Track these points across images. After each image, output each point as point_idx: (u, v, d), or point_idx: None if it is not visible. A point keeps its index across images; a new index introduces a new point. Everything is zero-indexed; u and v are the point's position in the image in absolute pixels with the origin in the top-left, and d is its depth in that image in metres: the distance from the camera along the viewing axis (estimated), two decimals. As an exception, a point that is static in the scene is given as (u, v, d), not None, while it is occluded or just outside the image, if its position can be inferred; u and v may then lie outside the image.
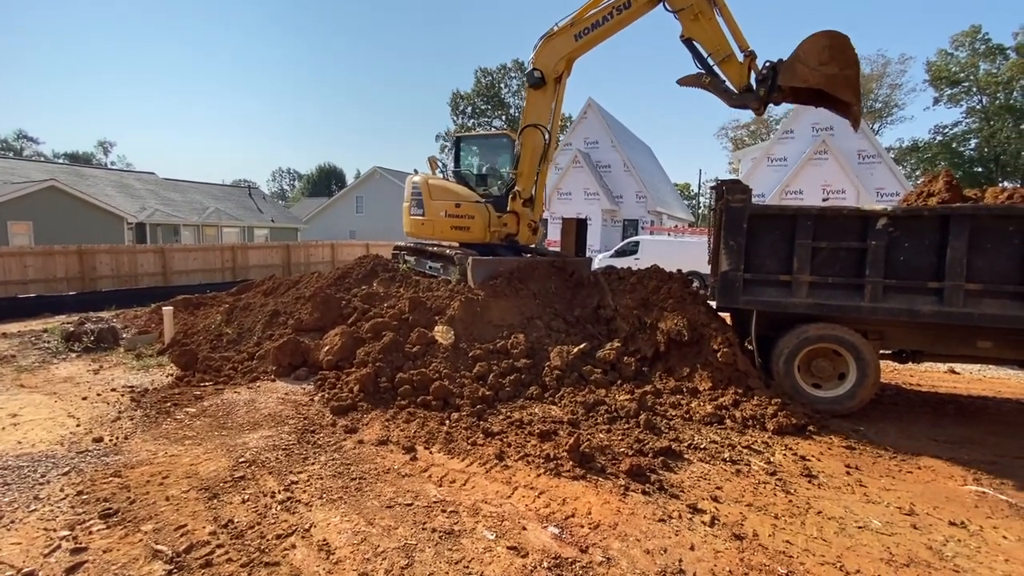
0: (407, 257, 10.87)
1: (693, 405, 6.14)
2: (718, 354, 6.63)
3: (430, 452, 4.58)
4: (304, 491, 3.81)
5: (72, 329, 8.81)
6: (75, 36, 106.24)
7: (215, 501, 3.63)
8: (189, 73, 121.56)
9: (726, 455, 4.86)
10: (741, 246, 6.49)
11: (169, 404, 5.62)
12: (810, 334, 6.28)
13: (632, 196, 29.20)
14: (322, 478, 4.02)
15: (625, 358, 6.98)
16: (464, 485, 3.97)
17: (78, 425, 4.98)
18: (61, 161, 50.70)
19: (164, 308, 8.84)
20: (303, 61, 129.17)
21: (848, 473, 4.60)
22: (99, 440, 4.59)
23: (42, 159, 50.20)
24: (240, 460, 4.26)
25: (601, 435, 5.12)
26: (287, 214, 39.75)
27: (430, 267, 10.01)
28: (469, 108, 55.29)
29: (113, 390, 6.25)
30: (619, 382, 6.67)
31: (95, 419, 5.17)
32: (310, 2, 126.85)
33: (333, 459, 4.36)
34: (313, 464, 4.26)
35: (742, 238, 6.49)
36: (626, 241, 22.36)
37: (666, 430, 5.38)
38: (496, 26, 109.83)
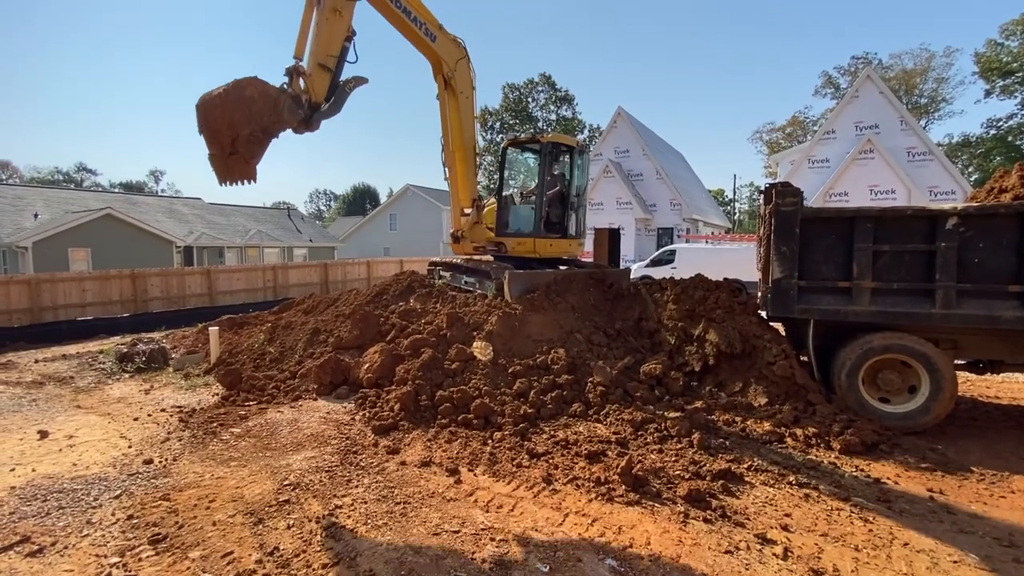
0: (443, 272, 10.84)
1: (749, 422, 5.79)
2: (774, 367, 6.26)
3: (474, 474, 4.42)
4: (349, 516, 3.71)
5: (125, 350, 9.13)
6: (130, 75, 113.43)
7: (260, 526, 3.57)
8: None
9: (791, 478, 4.51)
10: (794, 252, 6.14)
11: (215, 424, 5.67)
12: (875, 344, 5.85)
13: (666, 204, 28.64)
14: (366, 502, 3.91)
15: (672, 372, 6.68)
16: (512, 511, 3.79)
17: (130, 446, 5.06)
18: (117, 191, 53.75)
19: (210, 328, 9.06)
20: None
21: (932, 498, 4.18)
22: (149, 462, 4.63)
23: (100, 189, 53.37)
24: (284, 483, 4.21)
25: (653, 456, 4.85)
26: (324, 233, 40.85)
27: (465, 282, 9.93)
28: (497, 124, 55.78)
29: (163, 410, 6.37)
30: (667, 398, 6.37)
31: (146, 440, 5.25)
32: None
33: (376, 482, 4.25)
34: (356, 487, 4.17)
35: (795, 243, 6.14)
36: (662, 250, 21.86)
37: (722, 450, 5.06)
38: (520, 42, 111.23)
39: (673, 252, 20.88)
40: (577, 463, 4.61)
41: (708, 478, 4.40)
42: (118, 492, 4.04)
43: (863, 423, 5.49)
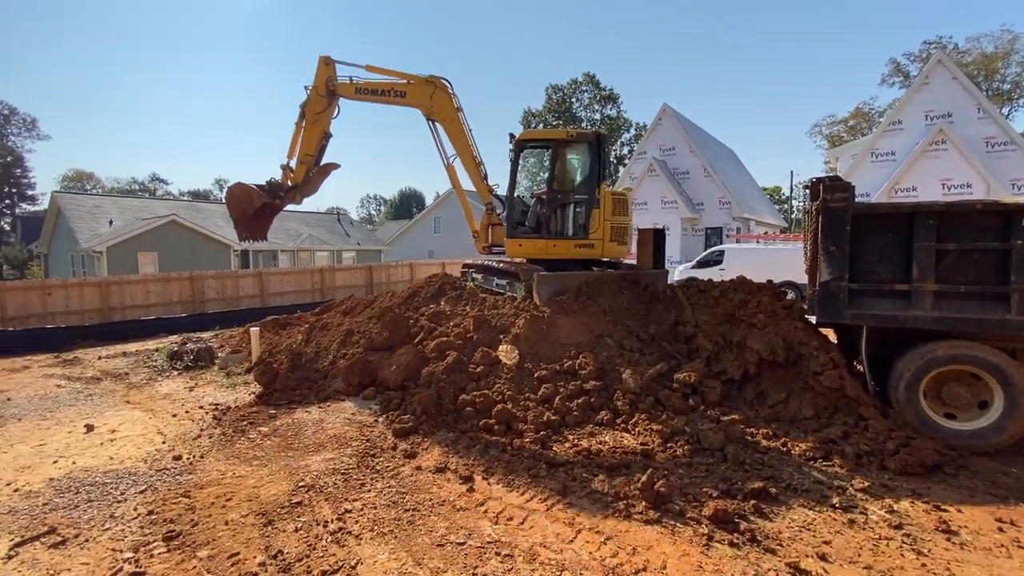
0: (475, 275, 10.80)
1: (791, 436, 5.35)
2: (821, 377, 5.77)
3: (488, 483, 4.28)
4: (356, 521, 3.66)
5: (176, 349, 9.62)
6: (196, 88, 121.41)
7: (269, 528, 3.57)
8: (284, 113, 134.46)
9: (835, 500, 4.10)
10: (844, 252, 5.65)
11: (245, 423, 5.82)
12: (939, 354, 5.27)
13: (715, 203, 27.52)
14: (375, 507, 3.85)
15: (708, 381, 6.30)
16: (522, 524, 3.62)
17: (164, 442, 5.27)
18: (185, 198, 57.48)
19: (252, 328, 9.40)
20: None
21: (1001, 530, 3.68)
22: (178, 458, 4.79)
23: (170, 197, 57.24)
24: (300, 484, 4.23)
25: (680, 470, 4.55)
26: (372, 237, 42.03)
27: (496, 284, 9.83)
28: (540, 125, 55.62)
29: (200, 407, 6.62)
30: (702, 408, 6.01)
31: (179, 436, 5.45)
32: (377, 35, 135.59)
33: (389, 487, 4.20)
34: (369, 491, 4.12)
35: (845, 243, 5.65)
36: (709, 250, 20.99)
37: (759, 466, 4.68)
38: (562, 42, 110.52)
39: (721, 253, 20.00)
40: (597, 475, 4.39)
41: (739, 497, 4.06)
42: (144, 487, 4.18)
43: (923, 441, 4.95)
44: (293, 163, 9.64)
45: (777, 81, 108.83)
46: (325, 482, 4.27)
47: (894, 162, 21.80)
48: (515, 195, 10.12)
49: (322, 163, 9.98)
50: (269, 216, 9.95)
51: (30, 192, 57.14)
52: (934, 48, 49.11)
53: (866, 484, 4.38)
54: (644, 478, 3.98)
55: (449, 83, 9.67)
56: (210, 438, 5.38)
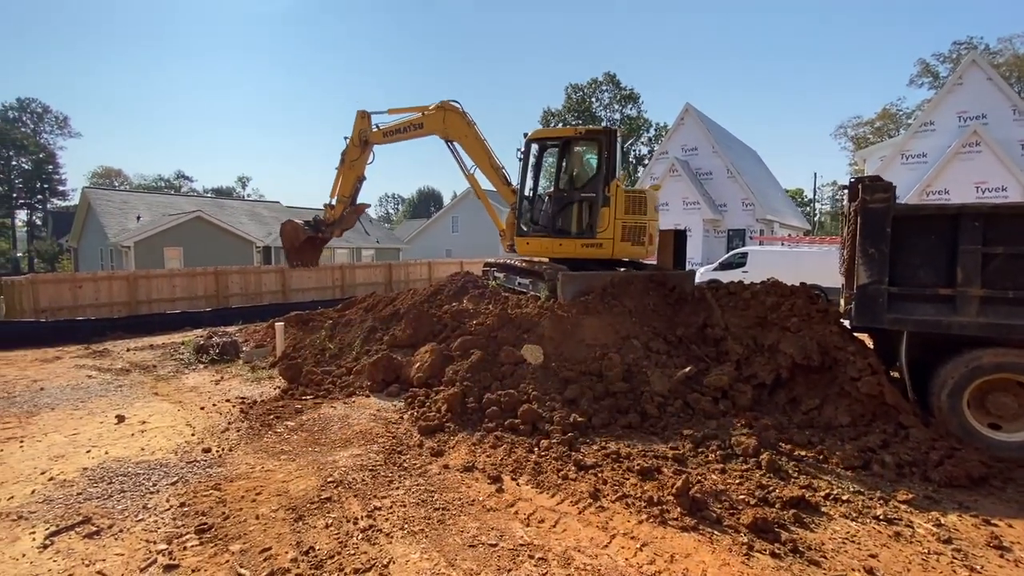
0: (496, 274, 10.76)
1: (828, 444, 5.18)
2: (859, 383, 5.59)
3: (517, 484, 4.22)
4: (387, 519, 3.62)
5: (202, 342, 9.74)
6: (220, 88, 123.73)
7: (300, 523, 3.56)
8: (305, 113, 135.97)
9: (878, 511, 3.95)
10: (884, 254, 5.47)
11: (272, 417, 5.84)
12: (984, 362, 5.06)
13: (738, 204, 27.08)
14: (405, 505, 3.81)
15: (739, 385, 6.15)
16: (554, 527, 3.55)
17: (193, 434, 5.31)
18: (208, 195, 58.57)
19: (276, 324, 9.48)
20: (395, 93, 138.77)
21: (1058, 547, 3.49)
22: (207, 451, 4.82)
23: (194, 194, 58.38)
24: (328, 480, 4.21)
25: (714, 476, 4.43)
26: (390, 235, 42.30)
27: (519, 283, 9.76)
28: (560, 124, 55.42)
29: (227, 400, 6.67)
30: (733, 412, 5.86)
31: (208, 429, 5.49)
32: (398, 39, 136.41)
33: (417, 484, 4.16)
34: (397, 489, 4.09)
35: (885, 245, 5.47)
36: (732, 252, 20.66)
37: (795, 474, 4.54)
38: (580, 41, 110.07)
39: (744, 255, 19.66)
40: (628, 479, 4.29)
41: (778, 506, 3.93)
42: (175, 479, 4.21)
43: (968, 452, 4.75)
44: (332, 201, 12.17)
45: (800, 81, 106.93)
46: (353, 478, 4.25)
47: (925, 164, 21.21)
48: (527, 193, 10.05)
49: (357, 203, 12.49)
50: (317, 247, 12.80)
51: (61, 188, 58.85)
52: (964, 49, 47.79)
53: (910, 496, 4.21)
54: (679, 483, 3.88)
55: (459, 103, 10.60)
56: (238, 431, 5.41)
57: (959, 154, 19.58)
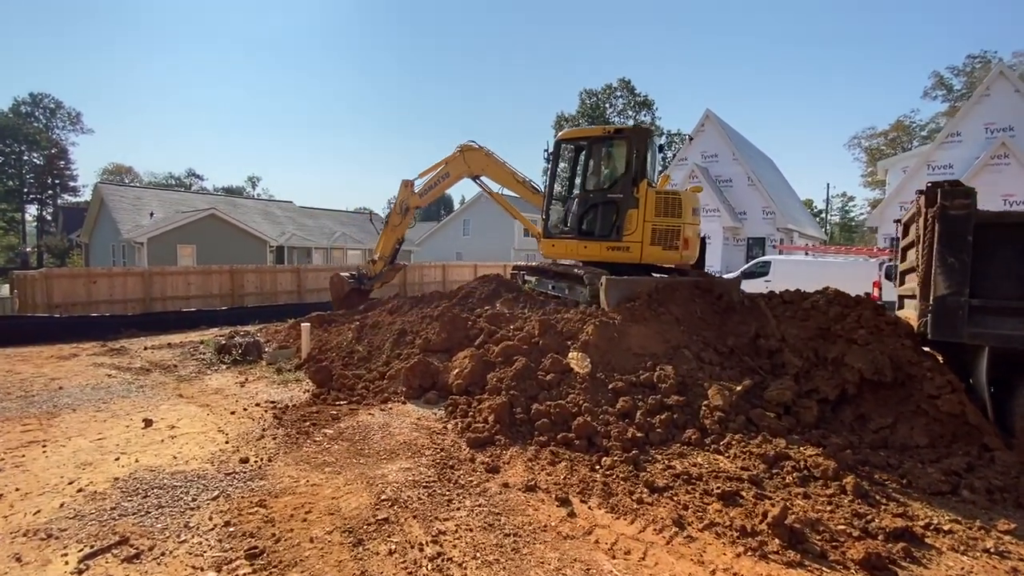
0: (527, 276, 10.42)
1: (907, 466, 4.78)
2: (939, 401, 5.19)
3: (588, 507, 3.85)
4: (454, 545, 3.26)
5: (224, 342, 9.43)
6: (231, 88, 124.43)
7: (360, 549, 3.20)
8: (312, 115, 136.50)
9: (987, 544, 3.56)
10: (966, 264, 5.10)
11: (308, 423, 5.50)
12: (1080, 383, 4.66)
13: (758, 212, 26.66)
14: (471, 529, 3.45)
15: (803, 400, 5.76)
16: (643, 559, 3.18)
17: (227, 442, 4.96)
18: (220, 194, 58.64)
19: (302, 324, 9.16)
20: (404, 96, 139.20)
21: None
22: (245, 461, 4.47)
23: (206, 192, 58.45)
24: (382, 497, 3.85)
25: (800, 502, 4.04)
26: (401, 237, 42.05)
27: (553, 287, 9.42)
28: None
29: (257, 404, 6.33)
30: (799, 430, 5.47)
31: (242, 436, 5.15)
32: (410, 40, 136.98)
33: (479, 505, 3.79)
34: (458, 509, 3.72)
35: (966, 254, 5.10)
36: (754, 261, 20.22)
37: (882, 500, 4.14)
38: (591, 46, 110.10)
39: (767, 264, 19.22)
40: (710, 504, 3.91)
41: (881, 537, 3.54)
42: (215, 493, 3.86)
43: (1065, 479, 4.35)
44: (375, 257, 13.52)
45: (810, 91, 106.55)
46: (408, 496, 3.89)
47: (952, 175, 20.75)
48: (554, 195, 9.77)
49: (396, 262, 13.84)
50: (361, 297, 13.00)
51: (72, 184, 58.98)
52: (978, 62, 47.35)
53: (1012, 526, 3.82)
54: (776, 512, 3.49)
55: (474, 142, 11.46)
56: (274, 439, 5.06)
57: (987, 166, 19.15)
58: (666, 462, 4.79)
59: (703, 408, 5.73)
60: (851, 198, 68.25)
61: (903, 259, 7.62)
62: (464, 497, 3.92)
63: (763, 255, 23.14)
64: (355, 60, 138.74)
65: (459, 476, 4.29)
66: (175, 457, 4.57)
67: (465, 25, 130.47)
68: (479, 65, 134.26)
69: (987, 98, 20.04)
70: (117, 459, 4.51)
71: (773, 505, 3.90)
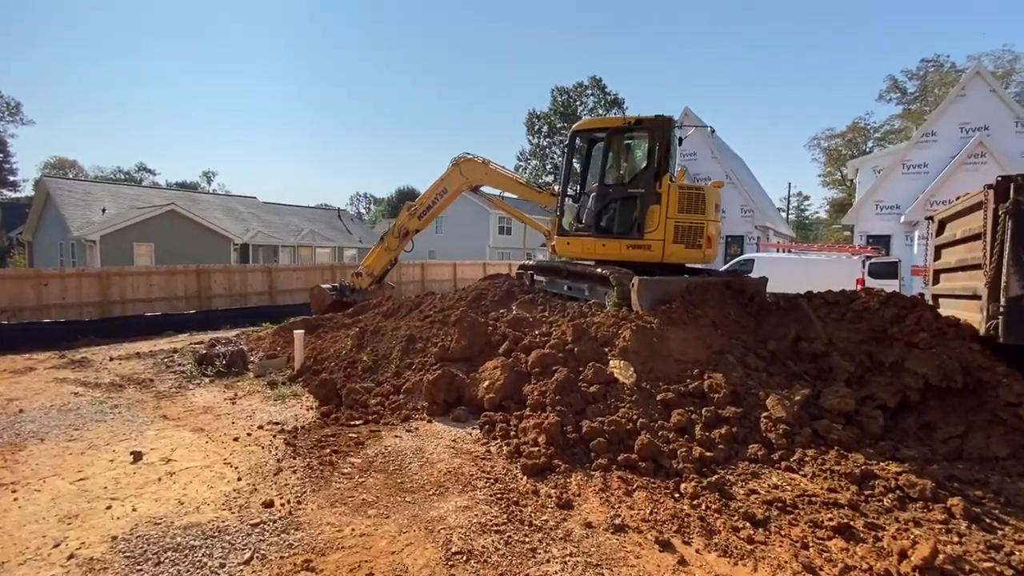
0: (537, 277, 9.83)
1: (994, 481, 4.46)
2: (1020, 409, 4.90)
3: (695, 550, 3.30)
4: (562, 614, 2.65)
5: (204, 352, 8.45)
6: (184, 78, 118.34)
7: (451, 626, 2.54)
8: (268, 107, 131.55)
9: None
10: (1041, 263, 4.82)
11: (328, 451, 4.74)
12: None
13: (735, 210, 26.84)
14: (574, 589, 2.85)
15: (867, 410, 5.40)
16: (795, 621, 2.65)
17: (239, 478, 4.17)
18: (174, 189, 55.42)
19: (295, 332, 8.28)
20: (370, 91, 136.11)
21: None
22: (269, 505, 3.71)
23: (160, 187, 55.16)
24: (452, 550, 3.19)
25: (915, 531, 3.61)
26: (373, 235, 40.63)
27: (569, 288, 8.87)
28: (545, 127, 54.89)
29: (260, 427, 5.51)
30: (866, 441, 5.11)
31: (254, 470, 4.36)
32: (372, 35, 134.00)
33: (570, 555, 3.19)
34: (548, 562, 3.11)
35: (1042, 252, 4.82)
36: (737, 259, 20.23)
37: (995, 523, 3.78)
38: (567, 45, 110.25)
39: (750, 262, 19.26)
40: (826, 539, 3.43)
41: (1031, 575, 3.14)
42: (246, 554, 3.10)
43: None
44: (362, 270, 12.65)
45: (768, 92, 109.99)
46: (483, 546, 3.25)
47: (926, 174, 21.38)
48: (570, 191, 9.26)
49: (383, 283, 12.98)
50: (342, 309, 11.81)
51: (12, 179, 54.54)
52: (932, 66, 49.65)
53: None
54: (926, 552, 3.04)
55: (468, 153, 11.12)
56: (294, 472, 4.30)
57: (964, 164, 19.75)
58: (743, 484, 4.32)
59: (763, 420, 5.28)
60: (806, 197, 70.66)
61: (937, 257, 7.45)
62: (548, 543, 3.30)
63: (741, 253, 23.30)
64: (311, 53, 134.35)
65: (530, 515, 3.67)
66: (181, 502, 3.76)
67: (428, 20, 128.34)
68: (443, 61, 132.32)
69: (963, 98, 20.67)
70: (109, 507, 3.66)
71: (895, 538, 3.48)
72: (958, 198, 6.79)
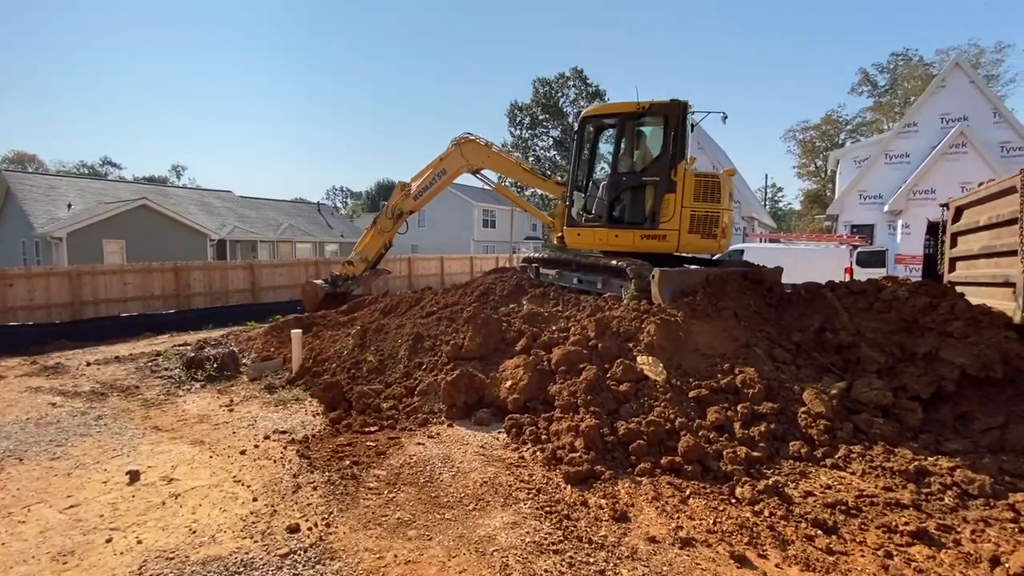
0: (543, 270, 9.49)
1: (1045, 474, 4.33)
2: (1064, 399, 4.80)
3: (775, 564, 3.03)
4: (654, 649, 2.34)
5: (192, 355, 7.89)
6: (146, 68, 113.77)
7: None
8: (240, 99, 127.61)
9: None
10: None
11: (348, 462, 4.35)
12: None
13: (722, 201, 27.02)
14: (658, 618, 2.54)
15: (904, 402, 5.24)
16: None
17: (254, 499, 3.74)
18: (143, 183, 53.27)
19: (293, 332, 7.78)
20: (345, 82, 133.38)
21: None
22: (295, 530, 3.30)
23: (126, 181, 52.90)
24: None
25: (991, 532, 3.42)
26: (354, 229, 39.73)
27: (579, 280, 8.56)
28: (528, 119, 54.31)
29: (266, 437, 5.06)
30: (906, 435, 4.94)
31: (269, 487, 3.93)
32: (350, 27, 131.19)
33: (641, 575, 2.88)
34: (621, 585, 2.80)
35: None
36: (727, 249, 20.25)
37: (1065, 521, 3.61)
38: (544, 33, 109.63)
39: (741, 252, 19.31)
40: (907, 546, 3.21)
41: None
42: (282, 593, 2.71)
43: None
44: (354, 256, 11.91)
45: (742, 83, 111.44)
46: (544, 569, 2.92)
47: (908, 164, 21.70)
48: (580, 180, 8.96)
49: (378, 267, 12.32)
50: (338, 302, 11.49)
51: (-37, 172, 51.55)
52: (901, 60, 50.85)
53: None
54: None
55: (470, 133, 10.60)
56: (314, 489, 3.90)
57: (946, 154, 20.09)
58: (794, 486, 4.09)
59: (801, 416, 5.07)
60: (779, 188, 71.96)
61: (954, 244, 7.38)
62: (617, 564, 2.99)
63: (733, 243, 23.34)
64: (282, 43, 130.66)
65: (585, 530, 3.36)
66: (193, 530, 3.32)
67: (403, 8, 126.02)
68: (421, 50, 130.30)
69: (943, 89, 21.01)
70: (109, 540, 3.20)
71: (974, 541, 3.28)
72: (981, 184, 6.70)
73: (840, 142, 55.30)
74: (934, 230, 8.19)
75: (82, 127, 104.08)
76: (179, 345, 9.61)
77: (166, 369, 7.95)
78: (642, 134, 8.33)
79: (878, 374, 5.76)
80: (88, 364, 8.58)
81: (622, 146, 8.13)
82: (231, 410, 6.15)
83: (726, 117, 8.36)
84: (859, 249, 18.27)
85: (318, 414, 5.92)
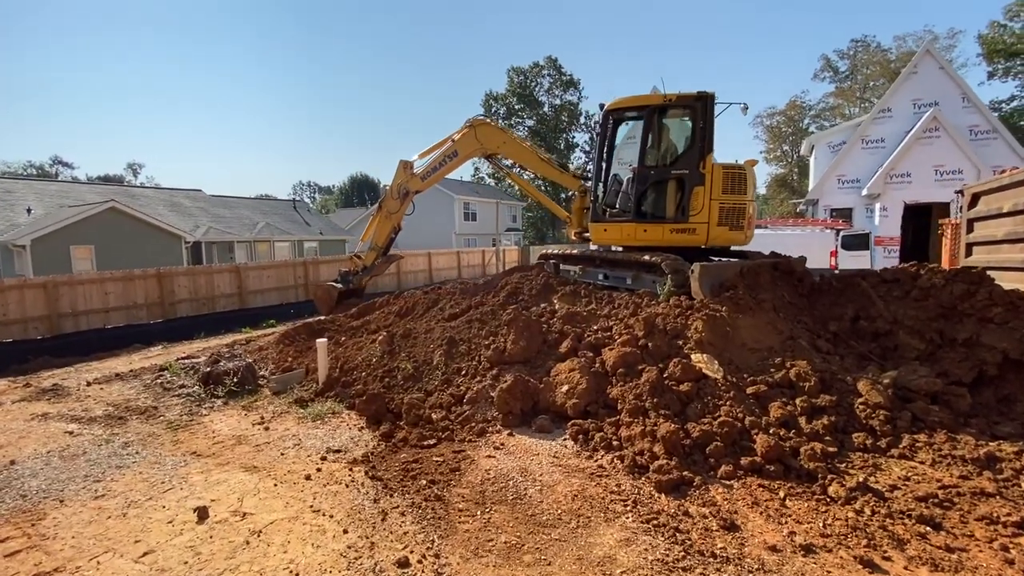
0: (563, 266, 9.37)
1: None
2: (1109, 381, 4.98)
3: (897, 564, 3.03)
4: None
5: (208, 370, 7.46)
6: (93, 64, 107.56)
7: None
8: (195, 95, 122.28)
9: None
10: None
11: (423, 481, 4.16)
12: None
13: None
14: (818, 635, 2.49)
15: (953, 387, 5.36)
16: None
17: (344, 531, 3.52)
18: (99, 183, 50.50)
19: (318, 341, 7.44)
20: (313, 76, 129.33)
21: None
22: (405, 564, 3.12)
23: (82, 182, 50.05)
24: (654, 600, 2.76)
25: (1088, 520, 3.50)
26: (333, 226, 38.74)
27: (606, 276, 8.48)
28: (503, 108, 53.87)
29: (323, 458, 4.81)
30: (963, 421, 5.06)
31: (353, 515, 3.72)
32: (320, 17, 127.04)
33: (783, 590, 2.83)
34: (766, 603, 2.74)
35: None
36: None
37: None
38: (517, 24, 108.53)
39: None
40: (1017, 536, 3.25)
41: None
42: (426, 637, 2.54)
43: None
44: (361, 247, 11.63)
45: (705, 70, 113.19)
46: (682, 590, 2.83)
47: (884, 149, 22.39)
48: (603, 174, 8.85)
49: (390, 253, 11.74)
50: (355, 299, 11.42)
51: None
52: (860, 46, 52.51)
53: None
54: None
55: (485, 115, 10.63)
56: (401, 515, 3.70)
57: (920, 139, 20.79)
58: (875, 480, 4.12)
59: (859, 406, 5.13)
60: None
61: (970, 230, 7.60)
62: (751, 579, 2.93)
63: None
64: (240, 34, 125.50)
65: (700, 543, 3.28)
66: (294, 572, 3.09)
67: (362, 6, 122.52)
68: (392, 41, 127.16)
69: (914, 75, 21.71)
70: (207, 593, 2.96)
71: (1079, 530, 3.36)
72: (1003, 171, 6.89)
73: (805, 127, 56.87)
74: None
75: (30, 126, 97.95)
76: (183, 358, 9.11)
77: (181, 386, 7.51)
78: (668, 127, 8.27)
79: (918, 361, 5.89)
80: (89, 384, 8.05)
81: (649, 139, 8.05)
82: (266, 428, 5.84)
83: (747, 108, 8.36)
84: (843, 232, 18.80)
85: (363, 428, 5.68)
